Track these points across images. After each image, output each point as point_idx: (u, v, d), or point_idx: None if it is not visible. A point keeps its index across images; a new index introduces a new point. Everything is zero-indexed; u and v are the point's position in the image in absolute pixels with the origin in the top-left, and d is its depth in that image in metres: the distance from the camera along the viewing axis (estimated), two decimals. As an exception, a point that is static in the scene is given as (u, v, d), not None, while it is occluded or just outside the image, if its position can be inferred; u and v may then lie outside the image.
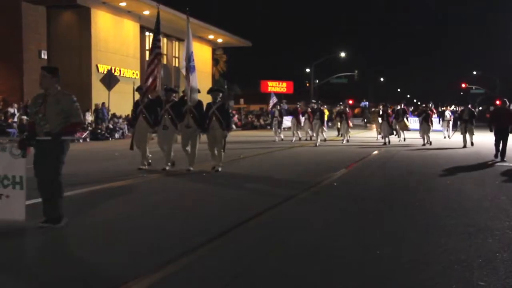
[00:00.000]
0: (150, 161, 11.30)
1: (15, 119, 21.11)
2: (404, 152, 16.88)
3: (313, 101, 22.36)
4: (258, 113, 46.94)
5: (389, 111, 21.56)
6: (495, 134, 13.89)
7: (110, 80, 24.33)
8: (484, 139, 19.34)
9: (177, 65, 40.94)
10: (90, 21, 28.94)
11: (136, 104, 11.60)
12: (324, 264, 4.60)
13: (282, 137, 22.67)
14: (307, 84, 60.69)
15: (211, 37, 42.06)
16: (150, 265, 4.47)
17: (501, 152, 13.71)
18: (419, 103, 66.53)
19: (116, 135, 24.91)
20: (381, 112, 21.61)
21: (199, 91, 11.15)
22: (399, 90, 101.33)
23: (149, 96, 11.33)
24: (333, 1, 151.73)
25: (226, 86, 53.72)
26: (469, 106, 19.97)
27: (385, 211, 7.05)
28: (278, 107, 24.76)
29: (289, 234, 5.70)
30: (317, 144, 19.48)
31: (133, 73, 32.54)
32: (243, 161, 13.73)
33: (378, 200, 7.84)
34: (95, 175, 10.30)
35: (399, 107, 24.13)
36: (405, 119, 22.80)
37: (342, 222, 6.37)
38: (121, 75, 29.83)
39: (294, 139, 22.55)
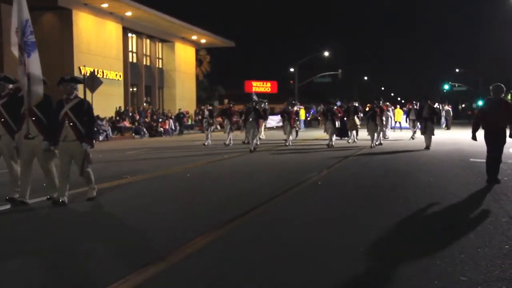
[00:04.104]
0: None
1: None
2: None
3: (262, 99, 19.85)
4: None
5: (335, 109, 19.53)
6: (486, 140, 9.11)
7: (93, 82, 24.21)
8: (467, 137, 19.35)
9: (160, 66, 40.83)
10: (72, 23, 28.79)
11: None
12: (310, 262, 4.62)
13: (210, 142, 20.12)
14: (291, 82, 60.83)
15: (194, 37, 42.05)
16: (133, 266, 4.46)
17: (493, 170, 9.05)
18: (402, 101, 67.08)
19: (100, 138, 25.25)
20: (325, 111, 19.32)
21: (45, 83, 7.48)
22: (383, 88, 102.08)
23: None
24: (317, 1, 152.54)
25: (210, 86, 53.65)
26: (429, 102, 17.51)
27: (370, 208, 7.11)
28: (209, 107, 22.19)
29: (276, 233, 5.72)
30: (252, 149, 16.68)
31: (116, 74, 32.37)
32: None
33: (363, 198, 7.91)
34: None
35: (350, 105, 21.82)
36: (355, 118, 20.41)
37: (328, 220, 6.41)
38: (104, 76, 29.67)
39: (227, 142, 19.87)
